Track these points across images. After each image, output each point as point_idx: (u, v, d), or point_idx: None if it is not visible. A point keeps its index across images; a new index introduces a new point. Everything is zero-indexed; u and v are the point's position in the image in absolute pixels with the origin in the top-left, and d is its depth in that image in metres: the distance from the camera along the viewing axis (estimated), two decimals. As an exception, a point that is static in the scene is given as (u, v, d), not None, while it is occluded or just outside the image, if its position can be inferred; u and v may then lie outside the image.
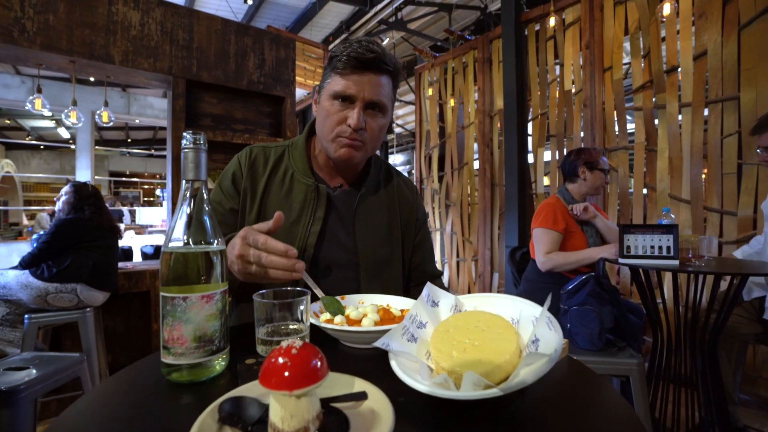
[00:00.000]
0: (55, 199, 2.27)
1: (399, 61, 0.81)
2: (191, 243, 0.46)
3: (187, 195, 0.48)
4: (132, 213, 7.91)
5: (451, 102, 4.34)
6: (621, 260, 1.46)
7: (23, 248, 5.24)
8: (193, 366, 0.45)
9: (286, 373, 0.31)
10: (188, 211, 0.47)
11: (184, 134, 0.47)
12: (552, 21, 3.15)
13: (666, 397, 1.48)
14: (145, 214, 7.53)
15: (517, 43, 3.50)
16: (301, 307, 0.49)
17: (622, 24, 2.90)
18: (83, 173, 6.58)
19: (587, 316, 1.44)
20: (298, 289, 0.53)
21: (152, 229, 6.97)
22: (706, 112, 2.46)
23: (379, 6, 5.17)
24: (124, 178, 11.95)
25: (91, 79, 6.11)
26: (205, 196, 0.48)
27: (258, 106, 3.00)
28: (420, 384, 0.37)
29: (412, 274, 0.96)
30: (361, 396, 0.37)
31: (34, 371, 1.30)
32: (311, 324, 0.56)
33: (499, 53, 3.77)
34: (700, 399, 1.41)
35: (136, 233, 6.46)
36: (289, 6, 5.64)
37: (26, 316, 1.98)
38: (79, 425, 0.37)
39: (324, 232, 0.83)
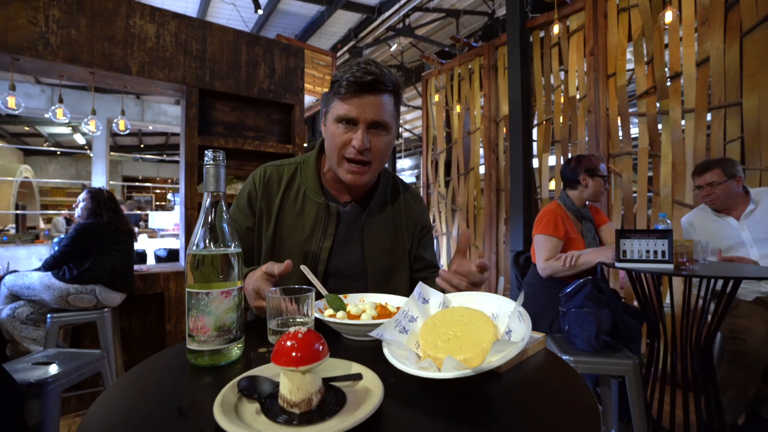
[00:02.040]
0: (73, 205, 2.37)
1: (398, 78, 0.85)
2: (212, 246, 0.54)
3: (209, 204, 0.55)
4: (145, 217, 8.11)
5: (458, 108, 4.40)
6: (617, 264, 1.50)
7: (42, 251, 5.41)
8: (213, 352, 0.52)
9: (294, 353, 0.37)
10: (210, 219, 0.55)
11: (206, 152, 0.54)
12: (556, 28, 3.19)
13: (662, 398, 1.51)
14: (157, 219, 7.71)
15: (522, 50, 3.55)
16: (307, 303, 0.55)
17: (625, 31, 2.94)
18: (99, 178, 6.78)
19: (585, 318, 1.48)
20: (305, 287, 0.60)
21: (164, 232, 7.13)
22: (709, 117, 2.49)
23: (387, 14, 5.27)
24: (137, 183, 12.22)
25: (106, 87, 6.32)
26: (224, 206, 0.56)
27: (268, 114, 3.10)
28: (407, 367, 0.44)
29: (414, 275, 1.00)
30: (357, 377, 0.44)
31: (60, 366, 1.39)
32: (317, 318, 0.63)
33: (505, 60, 3.83)
34: (699, 400, 1.44)
35: (149, 237, 6.63)
36: (298, 15, 5.78)
37: (48, 315, 2.08)
38: (123, 398, 0.44)
39: (334, 245, 0.89)
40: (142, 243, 5.59)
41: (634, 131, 3.08)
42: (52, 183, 12.40)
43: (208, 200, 0.55)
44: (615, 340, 1.56)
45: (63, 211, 8.99)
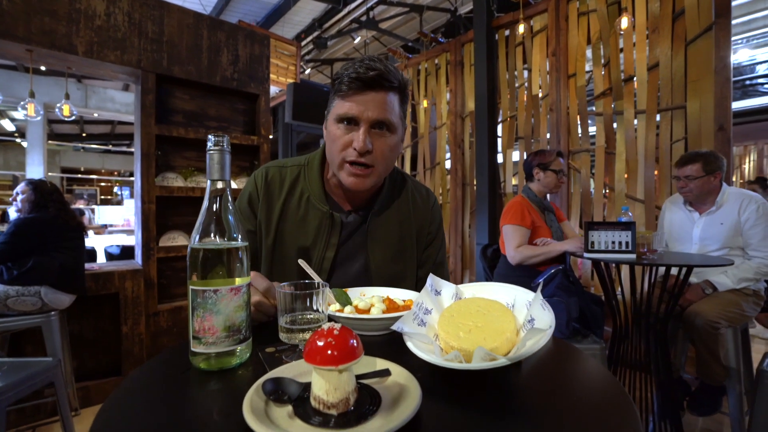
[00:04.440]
0: (10, 199, 2.14)
1: (405, 76, 0.79)
2: (218, 240, 0.49)
3: (213, 194, 0.50)
4: (90, 212, 7.47)
5: (424, 103, 4.43)
6: (586, 254, 1.59)
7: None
8: (221, 354, 0.48)
9: (330, 352, 0.35)
10: (214, 210, 0.50)
11: (209, 136, 0.50)
12: (521, 28, 3.30)
13: (623, 379, 1.63)
14: (104, 213, 7.12)
15: (488, 48, 3.63)
16: (319, 298, 0.53)
17: (585, 34, 3.09)
18: (35, 169, 6.16)
19: (556, 307, 1.55)
20: (317, 281, 0.57)
21: (113, 228, 6.62)
22: (658, 118, 2.68)
23: (353, 5, 5.18)
24: (79, 175, 11.21)
25: (42, 68, 5.70)
26: (229, 195, 0.51)
27: (232, 104, 2.96)
28: (437, 360, 0.43)
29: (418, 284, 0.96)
30: (385, 372, 0.42)
31: (5, 378, 1.24)
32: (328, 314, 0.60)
33: (471, 57, 3.90)
34: (653, 380, 1.56)
35: (95, 233, 6.13)
36: (261, 1, 5.54)
37: (-17, 321, 1.86)
38: (130, 412, 0.40)
39: (337, 255, 0.85)
40: (89, 240, 5.15)
41: (593, 129, 3.26)
42: (-26, 174, 11.08)
43: (212, 189, 0.50)
44: (582, 326, 1.65)
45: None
